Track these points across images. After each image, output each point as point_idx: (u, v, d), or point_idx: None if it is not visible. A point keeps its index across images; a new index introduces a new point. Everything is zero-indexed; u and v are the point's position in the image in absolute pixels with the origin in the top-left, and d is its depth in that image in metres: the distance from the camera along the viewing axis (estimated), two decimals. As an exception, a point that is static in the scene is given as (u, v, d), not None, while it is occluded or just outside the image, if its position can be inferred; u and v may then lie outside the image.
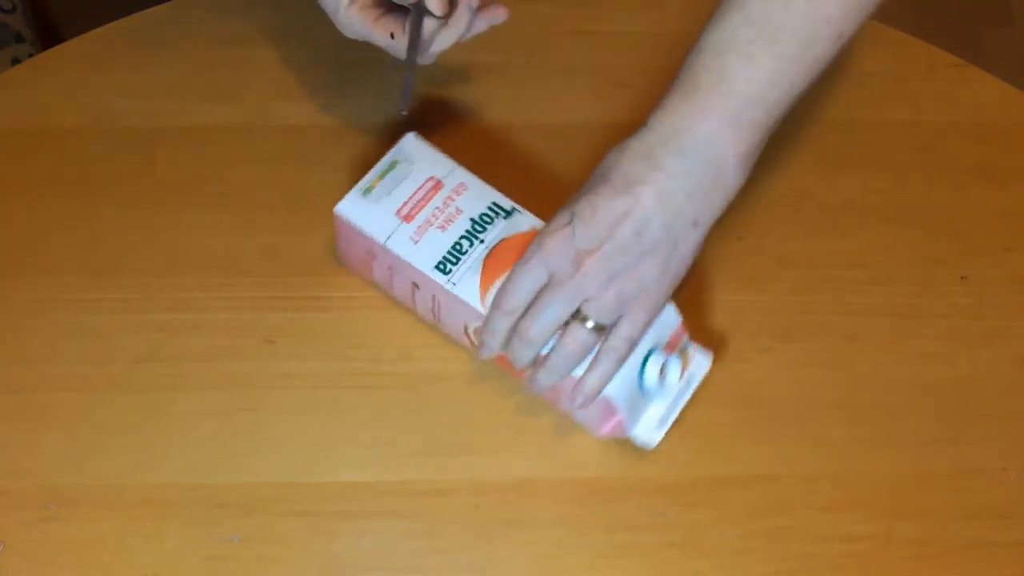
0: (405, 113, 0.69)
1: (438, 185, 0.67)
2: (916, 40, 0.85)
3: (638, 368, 0.63)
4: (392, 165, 0.67)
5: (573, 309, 0.61)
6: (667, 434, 0.67)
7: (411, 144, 0.69)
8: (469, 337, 0.67)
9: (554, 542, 0.64)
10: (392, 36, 0.67)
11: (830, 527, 0.65)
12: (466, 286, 0.64)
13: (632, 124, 0.73)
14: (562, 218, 0.61)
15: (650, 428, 0.65)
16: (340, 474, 0.66)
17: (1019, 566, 0.64)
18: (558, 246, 0.60)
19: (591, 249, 0.59)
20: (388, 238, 0.65)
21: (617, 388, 0.63)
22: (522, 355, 0.62)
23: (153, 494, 0.64)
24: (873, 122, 0.81)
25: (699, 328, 0.71)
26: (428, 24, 0.66)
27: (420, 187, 0.67)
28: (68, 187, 0.75)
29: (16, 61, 0.93)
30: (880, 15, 0.86)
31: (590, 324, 0.60)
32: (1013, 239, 0.76)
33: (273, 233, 0.73)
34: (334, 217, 0.66)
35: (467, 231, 0.66)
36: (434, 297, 0.66)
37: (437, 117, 0.78)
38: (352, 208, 0.66)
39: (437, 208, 0.66)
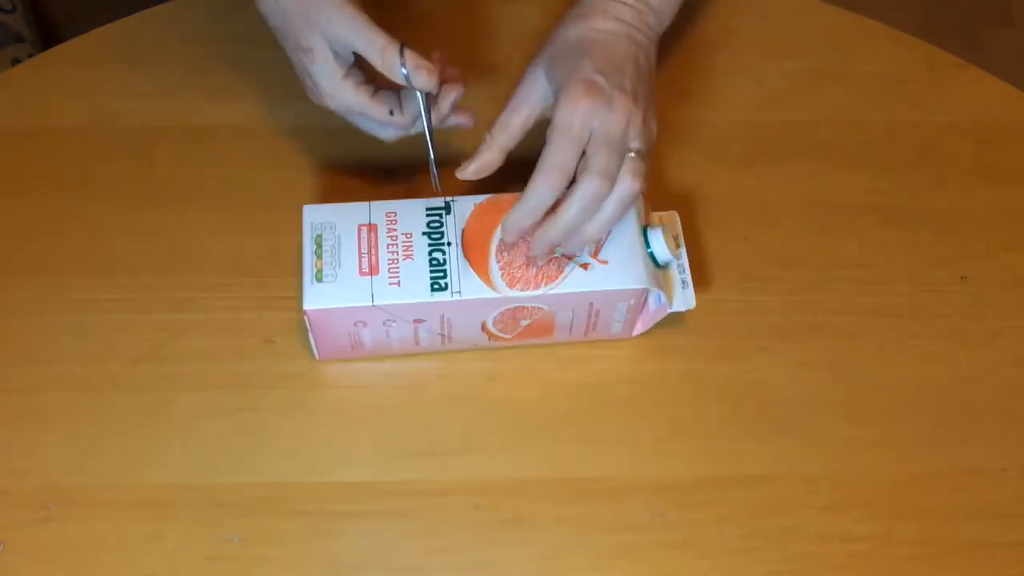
0: (440, 191, 0.68)
1: (372, 227, 0.66)
2: (916, 40, 0.85)
3: (644, 249, 0.66)
4: (319, 240, 0.66)
5: (623, 146, 0.63)
6: (667, 434, 0.67)
7: (315, 213, 0.67)
8: (488, 331, 0.67)
9: (554, 542, 0.64)
10: (391, 113, 0.67)
11: (830, 527, 0.65)
12: (469, 286, 0.64)
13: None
14: (576, 87, 0.63)
15: (679, 294, 0.68)
16: (340, 474, 0.66)
17: (1019, 566, 0.64)
18: (590, 103, 0.62)
19: (615, 92, 0.63)
20: (373, 297, 0.64)
21: (641, 274, 0.65)
22: (592, 203, 0.62)
23: (153, 494, 0.64)
24: (873, 122, 0.81)
25: (699, 328, 0.71)
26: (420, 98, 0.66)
27: (359, 240, 0.66)
28: (68, 187, 0.75)
29: (16, 61, 0.93)
30: (880, 15, 0.86)
31: (633, 153, 0.64)
32: (1013, 239, 0.76)
33: (273, 233, 0.73)
34: (306, 318, 0.64)
35: (429, 244, 0.65)
36: (442, 318, 0.66)
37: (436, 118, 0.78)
38: (318, 299, 0.63)
39: (388, 245, 0.65)
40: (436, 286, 0.64)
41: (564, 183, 0.62)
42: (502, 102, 0.72)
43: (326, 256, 0.65)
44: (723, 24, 0.85)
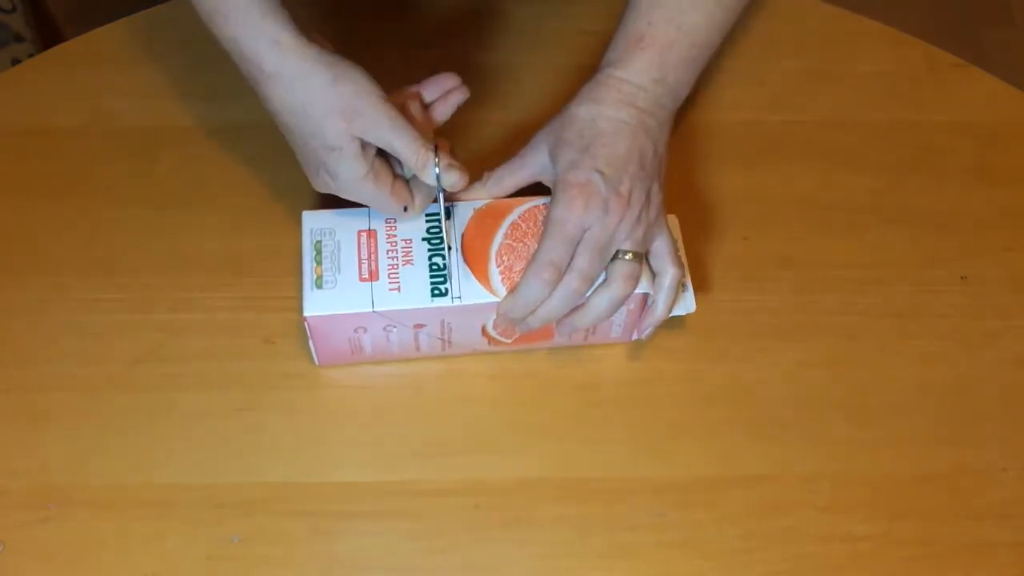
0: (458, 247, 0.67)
1: (371, 233, 0.66)
2: (916, 40, 0.85)
3: None
4: (318, 247, 0.66)
5: (612, 250, 0.65)
6: (667, 434, 0.67)
7: (314, 219, 0.67)
8: (488, 336, 0.67)
9: (554, 542, 0.64)
10: (405, 209, 0.66)
11: (830, 527, 0.65)
12: (470, 290, 0.64)
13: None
14: (576, 180, 0.64)
15: (683, 298, 0.69)
16: (340, 474, 0.66)
17: (1019, 566, 0.64)
18: (588, 202, 0.64)
19: (614, 195, 0.64)
20: (373, 303, 0.64)
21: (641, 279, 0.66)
22: (564, 303, 0.64)
23: (153, 494, 0.64)
24: (873, 122, 0.81)
25: (699, 328, 0.71)
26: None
27: (358, 246, 0.66)
28: (68, 187, 0.75)
29: (16, 61, 0.93)
30: (880, 15, 0.87)
31: (628, 256, 0.65)
32: (1013, 239, 0.76)
33: (273, 233, 0.73)
34: (307, 324, 0.64)
35: (429, 249, 0.65)
36: (443, 323, 0.66)
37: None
38: (319, 305, 0.63)
39: (388, 250, 0.66)
40: (436, 291, 0.64)
41: (556, 278, 0.63)
42: (505, 102, 0.72)
43: (326, 262, 0.65)
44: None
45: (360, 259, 0.65)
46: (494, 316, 0.65)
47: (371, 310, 0.64)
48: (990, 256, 0.76)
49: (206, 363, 0.69)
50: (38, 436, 0.66)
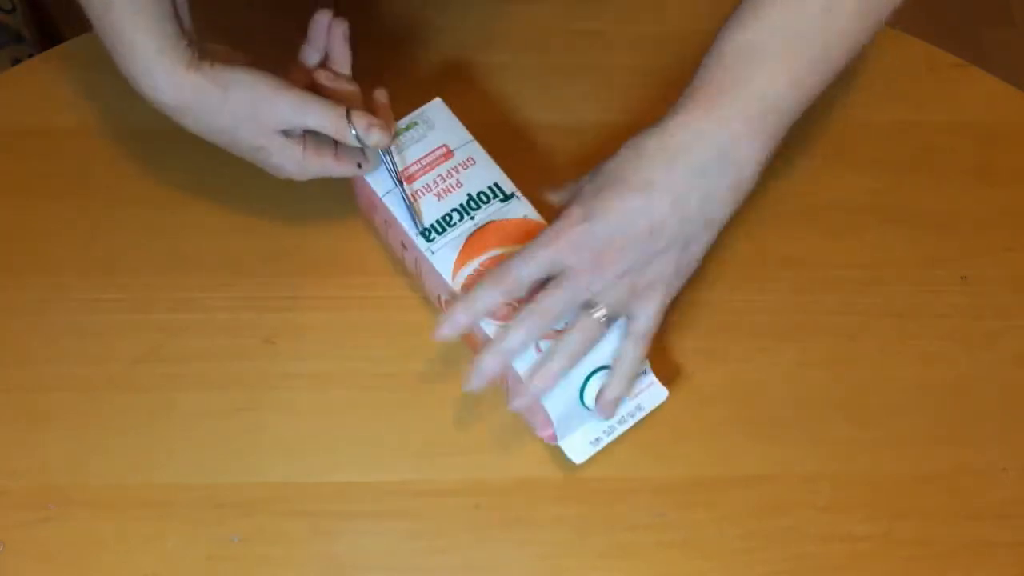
0: (424, 226, 0.67)
1: (448, 154, 0.68)
2: (916, 40, 0.85)
3: (581, 382, 0.63)
4: (410, 125, 0.69)
5: (584, 298, 0.61)
6: (667, 434, 0.67)
7: (435, 109, 0.70)
8: (441, 306, 0.68)
9: (554, 542, 0.64)
10: (360, 166, 0.67)
11: (830, 527, 0.65)
12: (443, 258, 0.65)
13: (632, 124, 0.73)
14: (577, 213, 0.61)
15: (582, 444, 0.65)
16: (340, 474, 0.66)
17: (1019, 566, 0.64)
18: (576, 240, 0.60)
19: (607, 246, 0.60)
20: (386, 193, 0.67)
21: (555, 399, 0.62)
22: (522, 337, 0.60)
23: (153, 494, 0.64)
24: (873, 122, 0.81)
25: (699, 327, 0.71)
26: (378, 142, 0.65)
27: (430, 152, 0.68)
28: (68, 187, 0.75)
29: (16, 61, 0.93)
30: (880, 15, 0.86)
31: (599, 314, 0.61)
32: (1013, 239, 0.76)
33: (273, 233, 0.73)
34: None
35: (461, 205, 0.67)
36: (416, 260, 0.67)
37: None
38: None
39: (440, 176, 0.68)
40: (427, 233, 0.66)
41: (515, 292, 0.60)
42: (505, 102, 0.72)
43: (401, 139, 0.69)
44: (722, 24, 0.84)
45: (417, 160, 0.68)
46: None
47: (380, 197, 0.67)
48: (990, 256, 0.76)
49: (206, 363, 0.69)
50: (38, 436, 0.66)
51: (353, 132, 0.64)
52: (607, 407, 0.63)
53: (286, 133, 0.64)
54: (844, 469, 0.67)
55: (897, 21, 0.85)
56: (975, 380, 0.71)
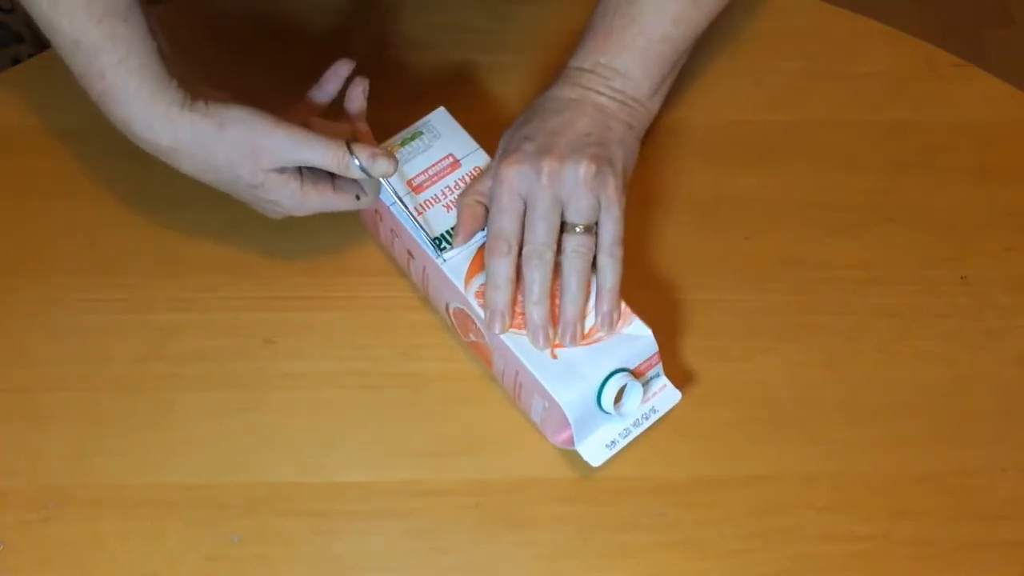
0: (433, 236, 0.68)
1: (455, 164, 0.68)
2: (916, 40, 0.85)
3: (598, 386, 0.63)
4: (415, 135, 0.69)
5: (560, 211, 0.65)
6: (667, 434, 0.67)
7: (439, 118, 0.70)
8: (449, 316, 0.68)
9: (554, 542, 0.64)
10: (358, 198, 0.67)
11: (830, 527, 0.65)
12: (455, 267, 0.66)
13: (632, 124, 0.72)
14: (508, 147, 0.66)
15: (598, 447, 0.65)
16: (340, 474, 0.66)
17: (1019, 566, 0.64)
18: (518, 167, 0.65)
19: (548, 154, 0.65)
20: (394, 203, 0.67)
21: (573, 401, 0.62)
22: (536, 279, 0.64)
23: (153, 494, 0.64)
24: (873, 122, 0.81)
25: (700, 327, 0.71)
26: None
27: (437, 162, 0.68)
28: (68, 187, 0.75)
29: (16, 61, 0.93)
30: (880, 15, 0.86)
31: (579, 229, 0.65)
32: (1013, 239, 0.76)
33: (273, 233, 0.73)
34: None
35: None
36: (424, 269, 0.67)
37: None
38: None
39: (448, 187, 0.68)
40: (438, 242, 0.66)
41: (508, 249, 0.64)
42: (505, 102, 0.72)
43: (407, 149, 0.69)
44: (722, 24, 0.84)
45: (425, 170, 0.68)
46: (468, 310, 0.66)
47: (388, 206, 0.67)
48: (990, 256, 0.76)
49: (206, 363, 0.69)
50: (38, 436, 0.66)
51: (357, 163, 0.63)
52: (606, 320, 0.65)
53: (282, 170, 0.64)
54: (844, 469, 0.67)
55: (897, 21, 0.85)
56: (975, 380, 0.71)
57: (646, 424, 0.65)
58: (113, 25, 0.60)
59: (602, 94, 0.68)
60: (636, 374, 0.64)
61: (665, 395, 0.66)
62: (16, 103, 0.79)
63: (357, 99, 0.69)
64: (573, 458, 0.66)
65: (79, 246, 0.73)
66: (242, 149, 0.63)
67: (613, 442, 0.65)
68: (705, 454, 0.67)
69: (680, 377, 0.69)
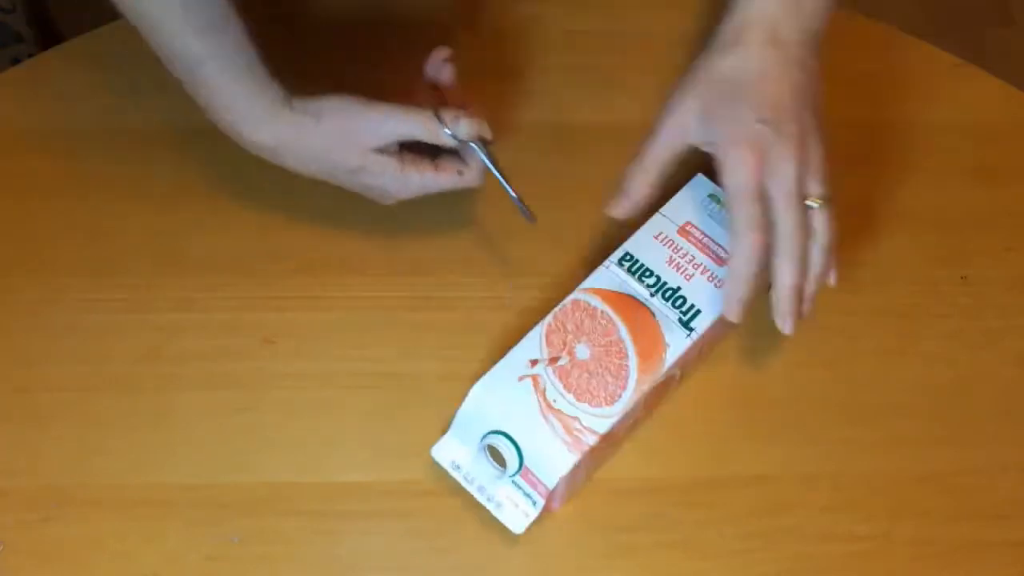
0: (535, 221, 0.68)
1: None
2: (916, 40, 0.85)
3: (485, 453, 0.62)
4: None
5: (807, 193, 0.64)
6: (667, 434, 0.67)
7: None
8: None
9: (555, 542, 0.64)
10: (460, 173, 0.67)
11: (830, 527, 0.65)
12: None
13: (632, 124, 0.73)
14: (743, 134, 0.63)
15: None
16: (340, 474, 0.66)
17: (1019, 566, 0.64)
18: (761, 156, 0.63)
19: (785, 139, 0.63)
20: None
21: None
22: (798, 257, 0.63)
23: (153, 494, 0.64)
24: (873, 122, 0.81)
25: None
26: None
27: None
28: (68, 187, 0.75)
29: (16, 61, 0.93)
30: (880, 15, 0.86)
31: (819, 204, 0.64)
32: (1013, 239, 0.76)
33: (273, 233, 0.73)
34: None
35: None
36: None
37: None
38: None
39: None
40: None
41: (761, 240, 0.62)
42: (505, 102, 0.72)
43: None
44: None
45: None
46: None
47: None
48: (990, 256, 0.76)
49: (206, 363, 0.69)
50: (38, 436, 0.66)
51: (447, 130, 0.64)
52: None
53: (381, 151, 0.65)
54: (844, 469, 0.67)
55: (897, 21, 0.85)
56: (975, 380, 0.71)
57: (486, 500, 0.63)
58: (213, 36, 0.63)
59: (801, 45, 0.66)
60: (524, 475, 0.62)
61: (514, 515, 0.62)
62: (16, 103, 0.79)
63: (445, 71, 0.70)
64: (573, 458, 0.66)
65: (79, 246, 0.73)
66: (339, 135, 0.65)
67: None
68: (705, 454, 0.67)
69: (680, 377, 0.69)
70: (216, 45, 0.63)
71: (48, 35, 1.06)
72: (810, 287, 0.65)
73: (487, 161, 0.67)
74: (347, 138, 0.65)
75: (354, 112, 0.65)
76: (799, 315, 0.65)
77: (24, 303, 0.71)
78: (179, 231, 0.74)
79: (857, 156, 0.79)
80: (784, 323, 0.64)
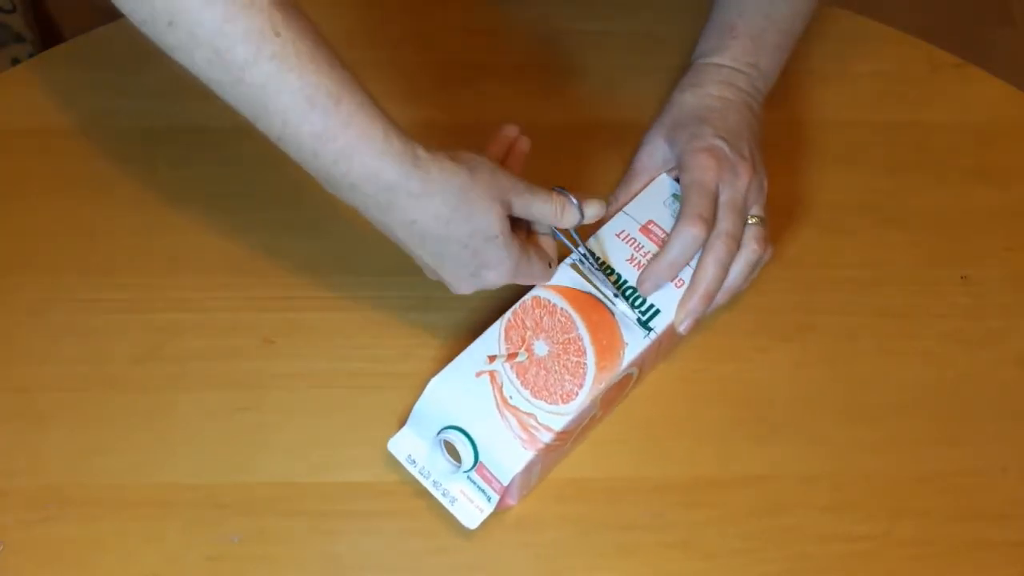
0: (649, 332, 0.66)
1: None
2: (916, 40, 0.85)
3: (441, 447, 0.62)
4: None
5: (746, 207, 0.68)
6: (667, 434, 0.67)
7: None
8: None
9: (554, 542, 0.64)
10: (549, 265, 0.65)
11: (830, 527, 0.65)
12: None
13: (632, 124, 0.73)
14: (703, 143, 0.68)
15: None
16: (340, 474, 0.66)
17: (1019, 566, 0.64)
18: (719, 163, 0.67)
19: (739, 158, 0.68)
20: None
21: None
22: (724, 262, 0.66)
23: (153, 494, 0.64)
24: (873, 122, 0.81)
25: (699, 328, 0.71)
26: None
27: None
28: (68, 187, 0.75)
29: (16, 61, 0.93)
30: (880, 15, 0.87)
31: (755, 220, 0.68)
32: (1013, 239, 0.76)
33: (273, 233, 0.73)
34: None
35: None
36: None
37: (439, 117, 0.78)
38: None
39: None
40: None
41: (703, 233, 0.65)
42: (504, 102, 0.72)
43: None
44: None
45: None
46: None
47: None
48: (990, 256, 0.76)
49: (206, 363, 0.69)
50: (38, 436, 0.66)
51: (577, 213, 0.63)
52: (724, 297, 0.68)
53: (510, 223, 0.61)
54: (844, 469, 0.67)
55: (897, 21, 0.85)
56: (975, 380, 0.71)
57: (439, 494, 0.63)
58: (342, 71, 0.55)
59: (752, 97, 0.72)
60: (479, 470, 0.61)
61: (468, 510, 0.62)
62: (16, 103, 0.79)
63: (517, 160, 0.68)
64: (572, 459, 0.66)
65: (79, 246, 0.73)
66: (493, 195, 0.59)
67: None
68: (705, 454, 0.67)
69: (680, 377, 0.69)
70: (348, 80, 0.55)
71: (48, 35, 1.07)
72: (720, 296, 0.67)
73: (581, 248, 0.65)
74: (498, 199, 0.58)
75: (498, 175, 0.59)
76: (698, 317, 0.66)
77: (24, 303, 0.71)
78: (179, 231, 0.74)
79: (857, 156, 0.79)
80: (685, 321, 0.66)
